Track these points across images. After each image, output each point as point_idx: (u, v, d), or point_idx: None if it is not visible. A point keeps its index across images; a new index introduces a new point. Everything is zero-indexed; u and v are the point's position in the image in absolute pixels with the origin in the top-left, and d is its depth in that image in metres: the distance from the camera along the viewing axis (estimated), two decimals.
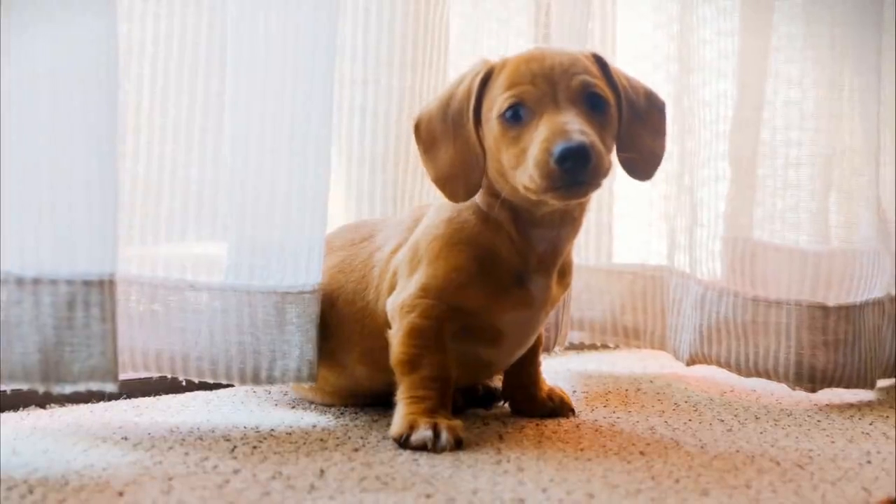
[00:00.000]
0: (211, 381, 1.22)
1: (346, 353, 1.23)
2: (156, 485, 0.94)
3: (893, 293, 1.55)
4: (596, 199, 1.64)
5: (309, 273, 1.21)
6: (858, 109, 1.51)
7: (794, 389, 1.48)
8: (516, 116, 1.09)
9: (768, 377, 1.47)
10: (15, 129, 1.00)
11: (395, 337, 1.15)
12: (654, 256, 1.68)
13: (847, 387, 1.46)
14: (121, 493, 0.91)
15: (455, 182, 1.14)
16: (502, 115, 1.09)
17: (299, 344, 1.20)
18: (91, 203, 1.03)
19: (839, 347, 1.45)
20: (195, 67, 1.21)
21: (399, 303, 1.16)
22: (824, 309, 1.45)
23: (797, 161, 1.50)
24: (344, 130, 1.44)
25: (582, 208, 1.18)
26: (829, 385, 1.45)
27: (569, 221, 1.16)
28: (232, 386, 1.35)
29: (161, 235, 1.22)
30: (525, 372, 1.29)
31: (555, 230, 1.16)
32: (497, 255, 1.15)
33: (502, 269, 1.15)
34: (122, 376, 1.31)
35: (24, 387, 1.02)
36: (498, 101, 1.10)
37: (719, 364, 1.50)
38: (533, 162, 1.05)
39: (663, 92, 1.61)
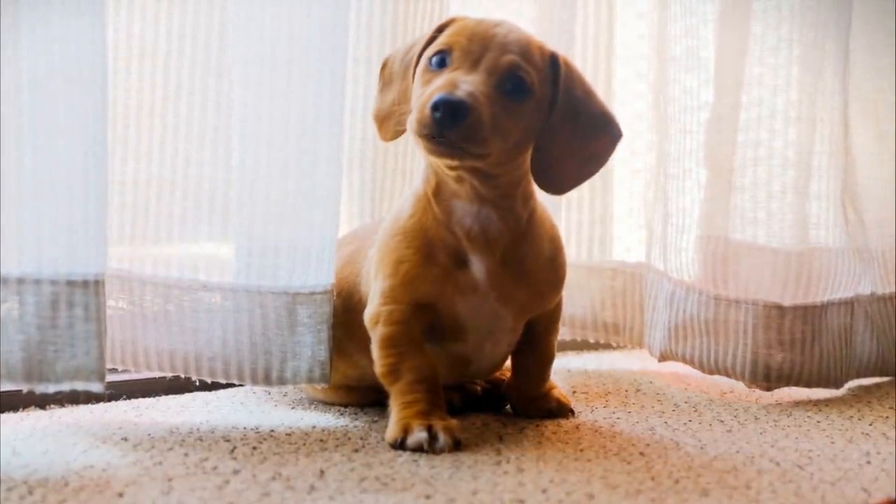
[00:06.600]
0: (223, 381, 1.22)
1: (349, 341, 1.24)
2: (156, 485, 0.94)
3: (881, 292, 1.56)
4: (577, 197, 1.64)
5: (320, 273, 1.21)
6: (833, 111, 1.51)
7: (750, 388, 1.49)
8: (441, 63, 1.10)
9: (727, 375, 1.48)
10: None
11: (374, 350, 1.16)
12: (633, 254, 1.69)
13: (807, 386, 1.47)
14: (121, 494, 0.91)
15: (388, 121, 1.18)
16: (429, 58, 1.11)
17: (310, 345, 1.20)
18: (77, 204, 1.03)
19: (796, 347, 1.46)
20: (207, 65, 1.22)
21: (369, 315, 1.17)
22: (780, 308, 1.45)
23: (769, 161, 1.50)
24: None
25: (499, 191, 1.14)
26: (787, 384, 1.46)
27: (488, 201, 1.14)
28: (234, 386, 1.35)
29: (174, 235, 1.23)
30: (528, 378, 1.28)
31: (475, 206, 1.14)
32: (430, 235, 1.15)
33: (439, 249, 1.15)
34: (124, 377, 1.33)
35: (8, 386, 1.03)
36: (433, 45, 1.12)
37: (685, 361, 1.52)
38: (417, 105, 1.07)
39: (654, 89, 1.63)
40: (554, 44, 1.32)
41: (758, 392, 1.50)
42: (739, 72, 1.51)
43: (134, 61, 1.21)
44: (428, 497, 0.93)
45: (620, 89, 1.67)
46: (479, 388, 1.34)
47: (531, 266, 1.18)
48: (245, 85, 1.19)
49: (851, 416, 1.35)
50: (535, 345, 1.26)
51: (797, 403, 1.44)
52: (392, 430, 1.11)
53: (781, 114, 1.50)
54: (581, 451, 1.11)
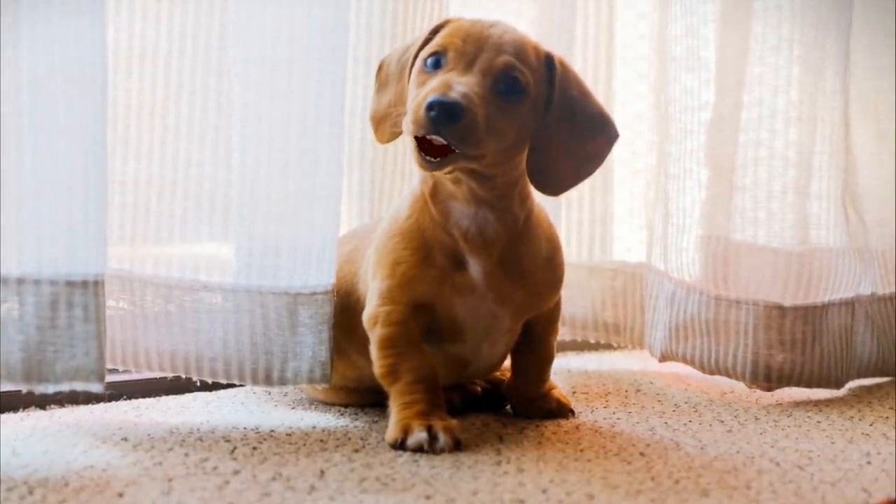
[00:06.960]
0: (224, 381, 1.22)
1: (347, 342, 1.24)
2: (156, 485, 0.94)
3: (881, 293, 1.57)
4: (577, 197, 1.65)
5: (321, 273, 1.21)
6: (834, 110, 1.51)
7: (750, 388, 1.49)
8: (436, 64, 1.10)
9: (728, 375, 1.48)
10: None
11: (372, 351, 1.16)
12: (634, 254, 1.69)
13: (807, 386, 1.47)
14: (121, 494, 0.91)
15: (384, 122, 1.18)
16: (424, 60, 1.11)
17: (311, 345, 1.21)
18: (77, 204, 1.03)
19: (796, 347, 1.46)
20: (207, 66, 1.22)
21: (367, 316, 1.17)
22: (781, 309, 1.46)
23: (769, 161, 1.50)
24: None
25: (496, 192, 1.14)
26: (787, 384, 1.47)
27: (485, 202, 1.14)
28: (235, 386, 1.35)
29: (175, 235, 1.23)
30: (527, 378, 1.28)
31: (472, 207, 1.14)
32: (428, 236, 1.15)
33: (436, 250, 1.15)
34: (125, 377, 1.33)
35: (8, 386, 1.03)
36: (428, 47, 1.12)
37: (685, 361, 1.52)
38: (412, 106, 1.07)
39: (654, 89, 1.63)
40: (554, 44, 1.33)
41: (758, 392, 1.50)
42: (740, 72, 1.51)
43: (134, 61, 1.21)
44: (428, 497, 0.93)
45: (621, 90, 1.67)
46: (478, 389, 1.34)
47: (528, 266, 1.18)
48: (245, 85, 1.19)
49: (852, 417, 1.35)
50: (535, 345, 1.26)
51: (797, 404, 1.44)
52: (392, 430, 1.11)
53: (782, 114, 1.50)
54: (581, 451, 1.11)
